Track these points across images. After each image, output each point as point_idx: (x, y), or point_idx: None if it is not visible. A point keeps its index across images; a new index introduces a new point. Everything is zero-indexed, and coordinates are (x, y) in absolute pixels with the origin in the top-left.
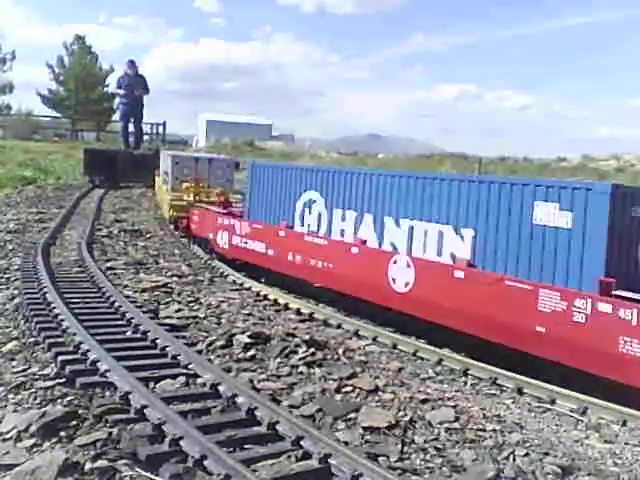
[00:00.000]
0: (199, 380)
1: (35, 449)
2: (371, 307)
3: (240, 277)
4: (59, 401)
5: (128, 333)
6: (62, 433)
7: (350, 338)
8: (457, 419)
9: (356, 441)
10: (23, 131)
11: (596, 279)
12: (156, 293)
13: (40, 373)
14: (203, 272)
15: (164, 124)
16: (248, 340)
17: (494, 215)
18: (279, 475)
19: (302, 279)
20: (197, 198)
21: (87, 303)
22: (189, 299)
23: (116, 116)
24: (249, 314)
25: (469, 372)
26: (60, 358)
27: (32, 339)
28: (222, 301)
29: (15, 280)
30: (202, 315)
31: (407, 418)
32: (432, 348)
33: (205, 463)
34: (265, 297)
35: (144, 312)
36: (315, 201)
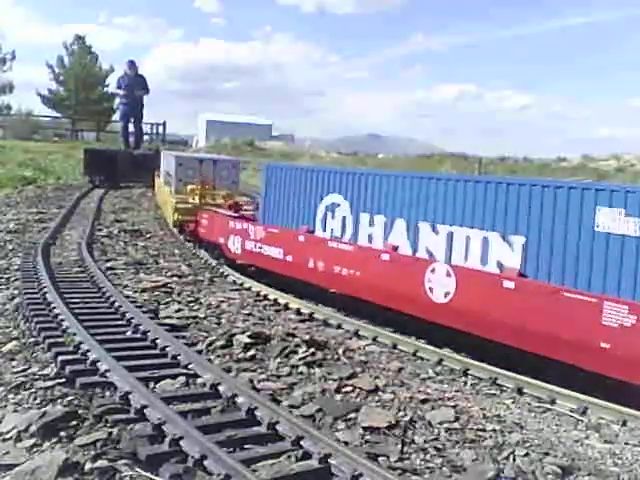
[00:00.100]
0: (199, 380)
1: (35, 449)
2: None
3: (240, 277)
4: (59, 401)
5: (128, 333)
6: (62, 433)
7: (350, 338)
8: (457, 419)
9: (356, 441)
10: (23, 131)
11: None
12: (156, 293)
13: (40, 373)
14: (203, 272)
15: (164, 124)
16: (248, 340)
17: (548, 221)
18: (279, 475)
19: (324, 287)
20: (203, 201)
21: (87, 303)
22: (189, 299)
23: (116, 116)
24: (249, 314)
25: (469, 372)
26: (60, 358)
27: (32, 339)
28: (222, 301)
29: (15, 280)
30: (202, 315)
31: (407, 418)
32: (432, 348)
33: (205, 463)
34: (265, 297)
35: (144, 312)
36: (339, 205)
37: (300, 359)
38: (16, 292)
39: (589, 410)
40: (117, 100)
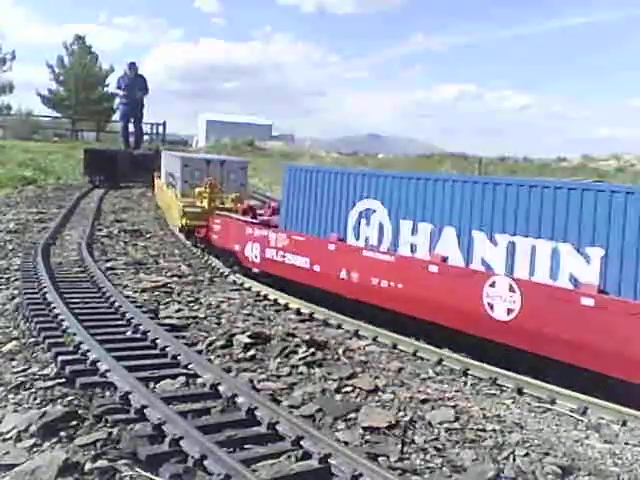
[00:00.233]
0: (199, 380)
1: (35, 449)
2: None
3: (240, 277)
4: (59, 401)
5: (128, 333)
6: (62, 433)
7: (350, 338)
8: (457, 419)
9: (356, 441)
10: (23, 131)
11: None
12: (156, 293)
13: (40, 373)
14: (203, 272)
15: (164, 124)
16: (248, 340)
17: (634, 231)
18: (279, 475)
19: (359, 300)
20: (212, 205)
21: (87, 303)
22: (189, 299)
23: (116, 116)
24: (249, 314)
25: (469, 372)
26: (60, 358)
27: (32, 339)
28: (222, 301)
29: (15, 280)
30: (202, 315)
31: (407, 418)
32: (432, 348)
33: (205, 463)
34: (265, 297)
35: (144, 312)
36: (375, 211)
37: (300, 359)
38: (16, 292)
39: (589, 410)
40: (117, 100)
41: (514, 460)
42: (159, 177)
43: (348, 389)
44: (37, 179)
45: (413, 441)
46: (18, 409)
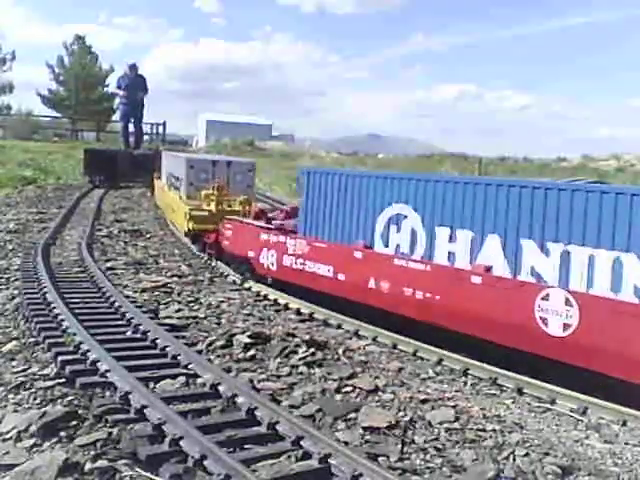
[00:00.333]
0: (199, 380)
1: (35, 449)
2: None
3: (240, 277)
4: (59, 401)
5: (128, 333)
6: (62, 433)
7: (350, 338)
8: (457, 419)
9: (356, 441)
10: (23, 131)
11: None
12: (156, 293)
13: (40, 373)
14: (203, 272)
15: (164, 124)
16: (248, 340)
17: None
18: (279, 475)
19: (389, 310)
20: (220, 208)
21: (87, 303)
22: (189, 299)
23: (116, 116)
24: (249, 314)
25: (469, 372)
26: (60, 358)
27: (32, 339)
28: (222, 301)
29: (15, 280)
30: (202, 315)
31: (407, 418)
32: (432, 348)
33: (205, 463)
34: (265, 297)
35: (144, 312)
36: (406, 217)
37: (300, 359)
38: (16, 292)
39: (589, 410)
40: (117, 100)
41: (514, 460)
42: (159, 178)
43: (348, 389)
44: (37, 179)
45: (413, 441)
46: (18, 409)
